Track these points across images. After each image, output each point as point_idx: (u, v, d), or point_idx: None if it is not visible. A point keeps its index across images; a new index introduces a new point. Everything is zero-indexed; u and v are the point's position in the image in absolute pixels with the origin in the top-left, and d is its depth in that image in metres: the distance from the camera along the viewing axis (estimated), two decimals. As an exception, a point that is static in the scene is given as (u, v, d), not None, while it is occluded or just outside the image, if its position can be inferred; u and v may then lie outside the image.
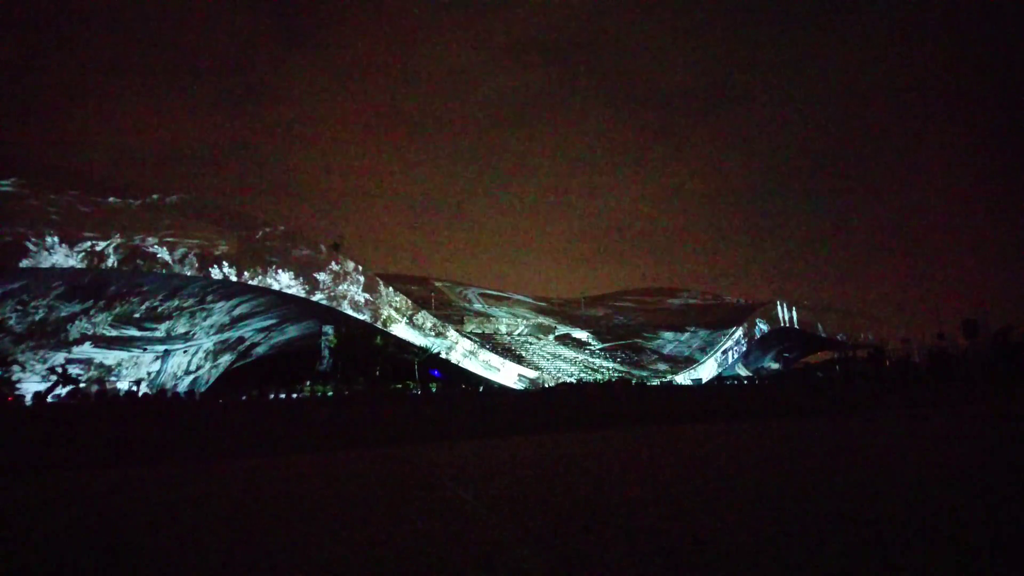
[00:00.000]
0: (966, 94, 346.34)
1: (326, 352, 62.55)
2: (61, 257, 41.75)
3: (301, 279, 56.26)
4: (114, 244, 44.21)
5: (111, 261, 43.98)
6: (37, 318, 43.91)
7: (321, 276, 58.53)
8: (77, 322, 45.98)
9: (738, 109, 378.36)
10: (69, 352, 46.45)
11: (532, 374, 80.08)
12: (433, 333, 71.03)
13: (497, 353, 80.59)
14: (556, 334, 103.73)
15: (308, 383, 60.98)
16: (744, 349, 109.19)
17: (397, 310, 67.34)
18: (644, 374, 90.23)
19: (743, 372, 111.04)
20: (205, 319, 53.96)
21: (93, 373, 48.17)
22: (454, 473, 9.57)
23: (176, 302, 50.36)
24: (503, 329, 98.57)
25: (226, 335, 58.02)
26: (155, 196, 49.87)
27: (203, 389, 57.92)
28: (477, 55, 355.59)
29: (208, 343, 56.78)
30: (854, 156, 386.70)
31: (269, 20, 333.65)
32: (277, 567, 4.84)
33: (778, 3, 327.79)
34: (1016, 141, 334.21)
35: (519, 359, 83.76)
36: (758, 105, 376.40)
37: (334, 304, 59.36)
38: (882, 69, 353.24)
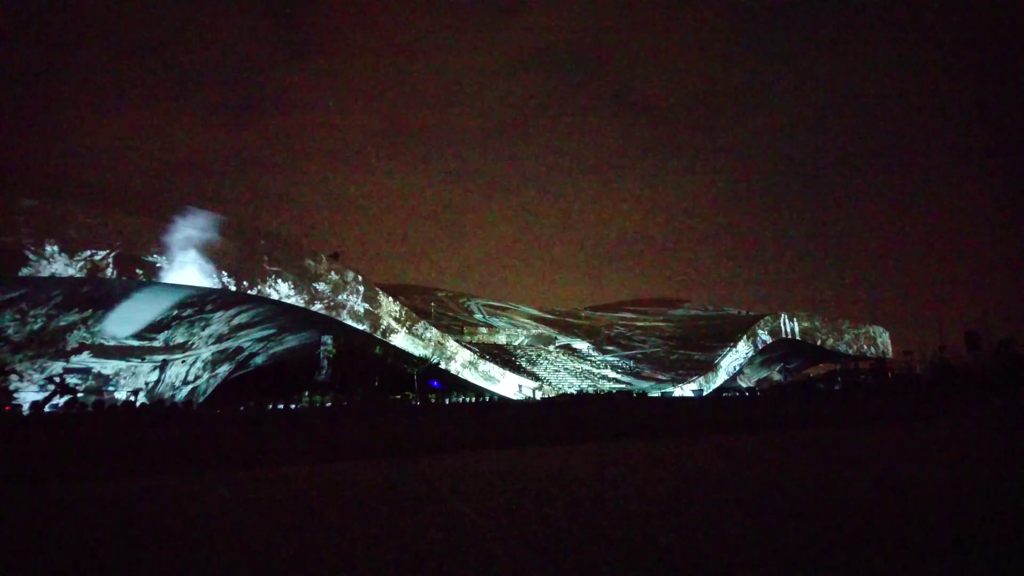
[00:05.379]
0: (967, 105, 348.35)
1: (325, 362, 62.37)
2: (60, 266, 41.73)
3: (300, 289, 56.20)
4: (113, 254, 44.20)
5: (110, 271, 43.95)
6: (36, 327, 43.80)
7: (320, 286, 58.47)
8: (76, 331, 45.87)
9: (739, 118, 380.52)
10: (67, 362, 46.30)
11: (533, 385, 79.81)
12: (433, 344, 70.85)
13: (497, 364, 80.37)
14: (557, 344, 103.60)
15: (307, 393, 60.75)
16: (746, 361, 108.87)
17: (397, 320, 67.23)
18: (645, 385, 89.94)
19: (744, 384, 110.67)
20: (203, 329, 53.85)
21: (91, 383, 47.99)
22: (453, 485, 9.45)
23: (175, 312, 50.29)
24: (503, 340, 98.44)
25: (224, 345, 57.86)
26: (154, 205, 49.93)
27: (201, 399, 57.70)
28: (478, 66, 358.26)
29: (206, 353, 56.62)
30: (856, 166, 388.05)
31: (271, 31, 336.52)
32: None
33: (777, 12, 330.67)
34: (1019, 151, 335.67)
35: (519, 370, 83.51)
36: (759, 114, 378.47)
37: (333, 314, 59.25)
38: (884, 77, 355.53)
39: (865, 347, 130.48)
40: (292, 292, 55.41)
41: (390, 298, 67.39)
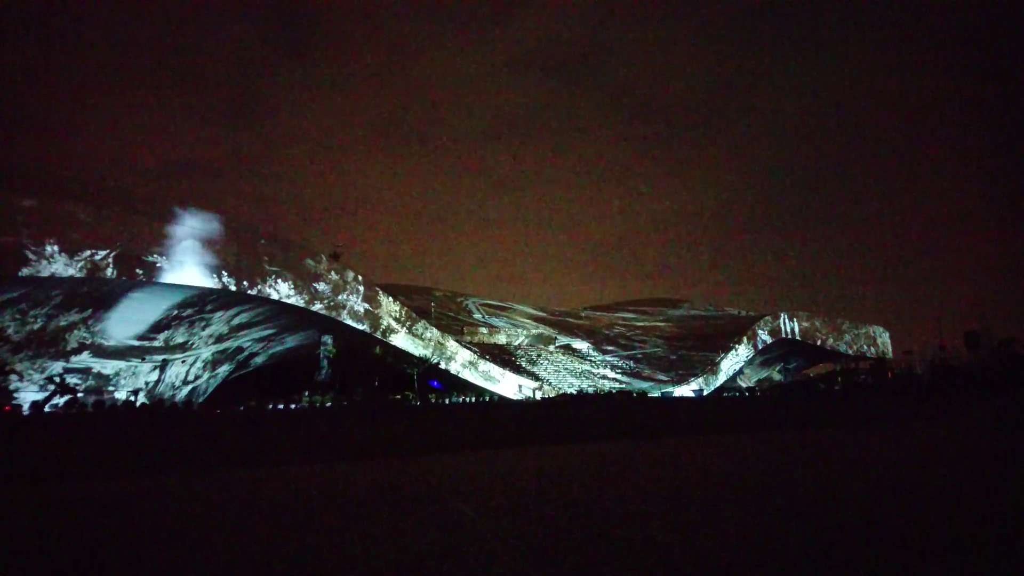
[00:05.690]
0: (967, 106, 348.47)
1: (325, 362, 62.32)
2: (60, 266, 41.72)
3: (300, 289, 56.19)
4: (114, 253, 44.19)
5: (110, 271, 43.94)
6: (36, 327, 43.80)
7: (320, 286, 58.46)
8: (76, 331, 45.85)
9: (739, 121, 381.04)
10: (67, 362, 46.29)
11: (533, 385, 79.79)
12: (433, 344, 70.83)
13: (497, 364, 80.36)
14: (557, 344, 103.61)
15: (307, 393, 60.73)
16: (746, 361, 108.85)
17: (397, 320, 67.21)
18: (645, 385, 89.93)
19: (744, 384, 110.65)
20: (204, 329, 53.83)
21: (91, 383, 47.98)
22: (453, 485, 9.46)
23: (175, 311, 50.26)
24: (503, 340, 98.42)
25: (224, 345, 57.85)
26: (154, 205, 49.93)
27: (201, 399, 57.68)
28: (478, 66, 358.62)
29: (206, 353, 56.62)
30: (856, 169, 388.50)
31: (270, 32, 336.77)
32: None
33: (778, 12, 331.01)
34: (1019, 151, 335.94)
35: (519, 370, 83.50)
36: (759, 117, 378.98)
37: (333, 314, 59.24)
38: (883, 80, 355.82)
39: (865, 347, 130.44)
40: (292, 292, 55.39)
41: (390, 298, 67.37)
